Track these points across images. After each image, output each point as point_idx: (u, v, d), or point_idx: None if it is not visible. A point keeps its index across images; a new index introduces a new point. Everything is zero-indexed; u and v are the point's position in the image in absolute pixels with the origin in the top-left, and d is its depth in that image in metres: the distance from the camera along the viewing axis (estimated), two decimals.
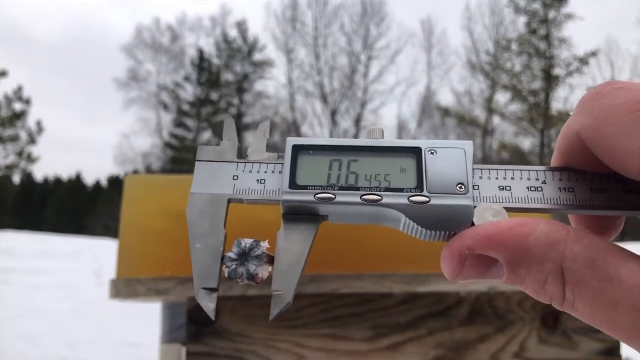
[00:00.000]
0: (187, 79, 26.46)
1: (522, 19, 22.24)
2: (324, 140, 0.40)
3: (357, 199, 0.37)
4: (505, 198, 0.37)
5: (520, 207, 0.37)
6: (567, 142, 0.37)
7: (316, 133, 23.31)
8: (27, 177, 34.23)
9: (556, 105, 21.27)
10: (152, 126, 26.34)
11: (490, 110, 22.22)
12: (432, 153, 0.39)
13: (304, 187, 0.38)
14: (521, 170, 0.38)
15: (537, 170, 0.38)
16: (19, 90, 26.51)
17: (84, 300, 6.87)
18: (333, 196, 0.37)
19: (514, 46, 22.36)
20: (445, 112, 23.20)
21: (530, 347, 1.07)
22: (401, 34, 28.06)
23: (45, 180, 38.66)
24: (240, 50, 26.83)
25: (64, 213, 34.81)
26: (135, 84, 26.07)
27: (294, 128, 23.60)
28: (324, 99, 24.20)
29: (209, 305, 0.37)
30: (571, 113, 0.35)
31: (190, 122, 26.65)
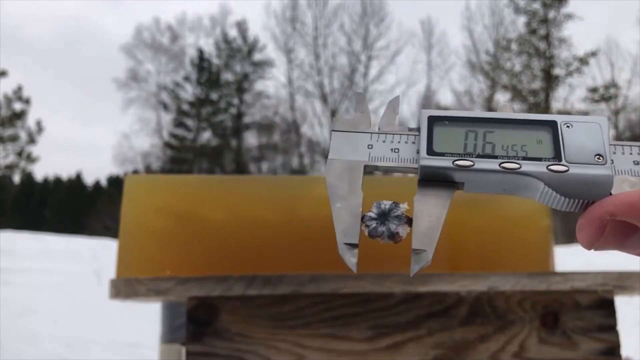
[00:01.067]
0: (187, 79, 26.42)
1: (522, 19, 22.23)
2: (459, 112, 0.42)
3: (496, 167, 0.38)
4: None
5: None
6: None
7: (316, 133, 23.31)
8: (27, 177, 34.23)
9: (556, 105, 21.26)
10: (152, 126, 26.29)
11: (490, 110, 22.20)
12: (568, 126, 0.40)
13: (442, 154, 0.40)
14: None
15: None
16: (19, 90, 26.49)
17: (84, 300, 6.87)
18: (472, 163, 0.39)
19: (514, 46, 22.34)
20: None
21: (530, 347, 1.07)
22: (401, 34, 28.00)
23: (45, 180, 38.65)
24: (240, 50, 26.80)
25: (64, 213, 34.79)
26: (135, 84, 26.02)
27: (294, 128, 23.60)
28: (324, 99, 24.19)
29: (351, 259, 0.40)
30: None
31: (190, 122, 26.61)
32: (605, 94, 20.31)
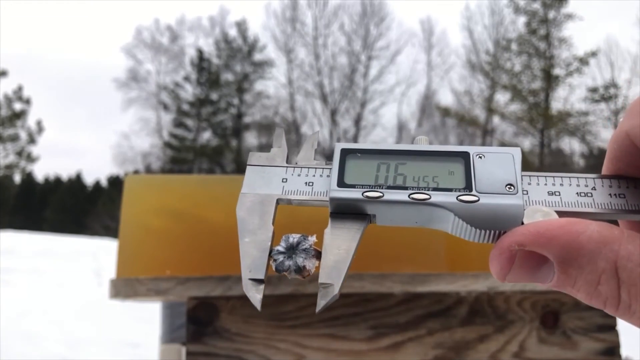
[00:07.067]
0: (187, 79, 26.43)
1: (522, 19, 22.23)
2: (372, 145, 0.42)
3: (406, 198, 0.38)
4: (555, 203, 0.37)
5: (570, 212, 0.37)
6: (618, 144, 0.37)
7: None
8: (27, 177, 34.26)
9: (556, 105, 21.22)
10: (152, 126, 26.31)
11: (490, 110, 22.20)
12: (480, 157, 0.40)
13: (352, 186, 0.39)
14: (570, 177, 0.39)
15: (586, 178, 0.39)
16: (19, 90, 26.49)
17: (84, 300, 6.87)
18: (381, 194, 0.38)
19: (514, 46, 22.34)
20: (445, 112, 23.17)
21: (530, 347, 1.07)
22: (401, 34, 28.11)
23: (46, 180, 38.68)
24: (240, 50, 26.81)
25: (64, 213, 34.80)
26: (135, 84, 26.04)
27: (294, 128, 23.59)
28: (324, 99, 24.19)
29: (255, 296, 0.38)
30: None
31: (190, 122, 26.63)
32: (605, 94, 20.30)
